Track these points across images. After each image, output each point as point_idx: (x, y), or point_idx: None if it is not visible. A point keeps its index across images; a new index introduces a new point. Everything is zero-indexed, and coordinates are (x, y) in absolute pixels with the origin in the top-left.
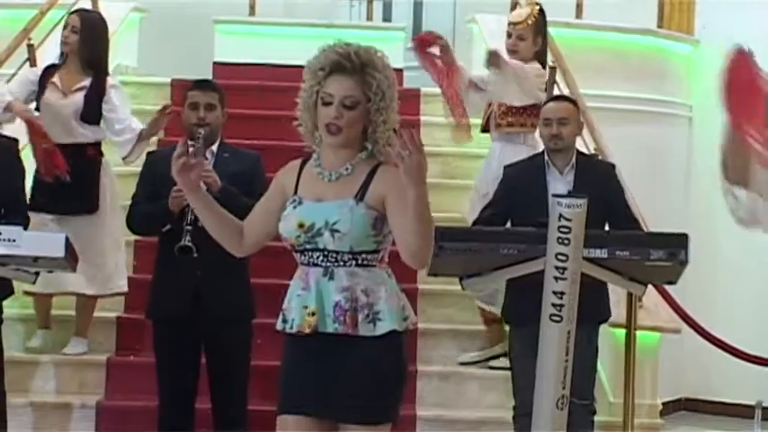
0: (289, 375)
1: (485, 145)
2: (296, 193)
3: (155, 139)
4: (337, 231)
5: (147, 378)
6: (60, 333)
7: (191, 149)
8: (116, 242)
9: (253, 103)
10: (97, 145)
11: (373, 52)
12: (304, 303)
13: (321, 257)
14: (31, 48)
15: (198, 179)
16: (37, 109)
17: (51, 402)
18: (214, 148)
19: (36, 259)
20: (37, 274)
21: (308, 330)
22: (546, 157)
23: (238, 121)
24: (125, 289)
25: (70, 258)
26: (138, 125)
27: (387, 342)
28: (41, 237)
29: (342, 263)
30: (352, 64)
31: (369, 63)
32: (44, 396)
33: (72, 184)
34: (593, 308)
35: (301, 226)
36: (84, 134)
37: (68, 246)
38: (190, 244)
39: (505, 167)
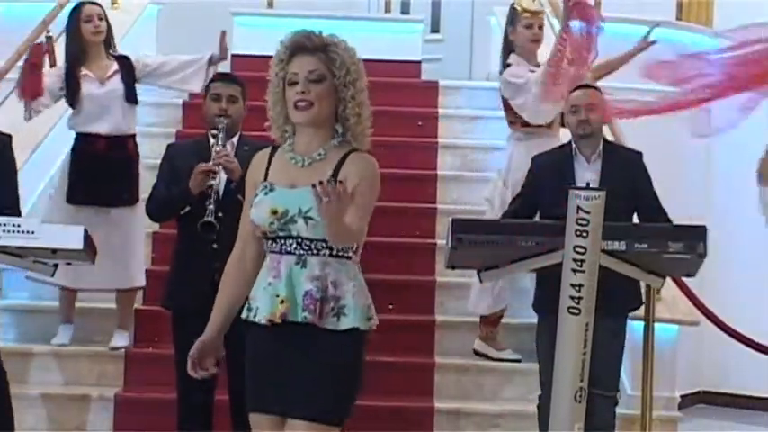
0: (253, 369)
1: (502, 137)
2: (266, 179)
3: (173, 131)
4: (311, 219)
5: (166, 369)
6: (88, 326)
7: (212, 140)
8: (142, 236)
9: None
10: (134, 138)
11: (335, 36)
12: (275, 292)
13: (294, 245)
14: (49, 40)
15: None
16: (71, 105)
17: (69, 394)
18: (234, 140)
19: (54, 251)
20: (55, 266)
21: (278, 319)
22: (573, 146)
23: (256, 114)
24: (143, 283)
25: (89, 250)
26: (193, 56)
27: (348, 338)
28: (60, 229)
29: (315, 251)
30: (313, 43)
31: (330, 43)
32: (62, 388)
33: (114, 176)
34: (622, 297)
35: (274, 213)
36: (128, 123)
37: (87, 238)
38: (213, 220)
39: (534, 157)
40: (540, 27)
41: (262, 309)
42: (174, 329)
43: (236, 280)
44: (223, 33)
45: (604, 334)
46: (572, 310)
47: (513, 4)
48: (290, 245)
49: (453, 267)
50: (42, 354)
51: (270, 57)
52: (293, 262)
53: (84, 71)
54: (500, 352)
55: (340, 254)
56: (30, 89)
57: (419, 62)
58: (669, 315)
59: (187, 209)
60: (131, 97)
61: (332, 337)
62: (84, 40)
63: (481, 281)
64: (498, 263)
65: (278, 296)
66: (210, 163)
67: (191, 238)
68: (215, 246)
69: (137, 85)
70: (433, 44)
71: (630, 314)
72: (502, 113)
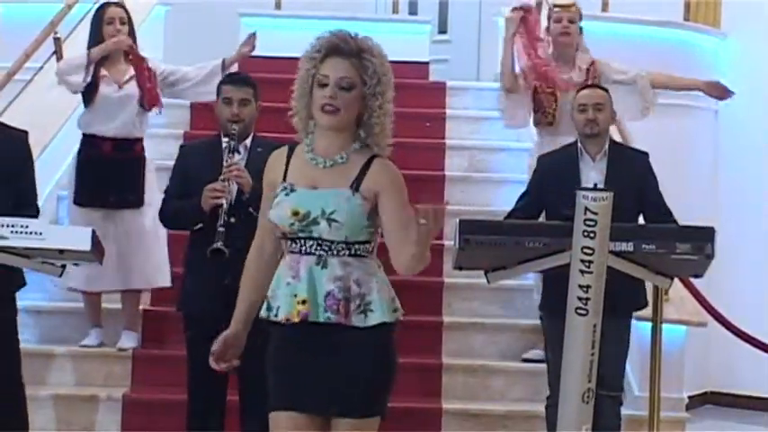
0: (277, 368)
1: (509, 138)
2: (285, 179)
3: (181, 132)
4: (335, 221)
5: (174, 370)
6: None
7: (224, 146)
8: (159, 237)
9: (280, 95)
10: (142, 141)
11: (370, 40)
12: (294, 292)
13: (315, 246)
14: (57, 41)
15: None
16: (86, 104)
17: (77, 395)
18: (247, 142)
19: (62, 252)
20: (63, 266)
21: (296, 319)
22: (579, 145)
23: (269, 115)
24: (168, 283)
25: (96, 251)
26: (209, 63)
27: (377, 334)
28: (67, 230)
29: (335, 252)
30: (349, 47)
31: (366, 48)
32: (70, 388)
33: (121, 178)
34: (627, 298)
35: (296, 214)
36: (138, 127)
37: (94, 239)
38: (222, 247)
39: (539, 157)
40: (572, 21)
41: (281, 308)
42: (186, 331)
43: (256, 272)
44: (253, 36)
45: (609, 334)
46: (579, 311)
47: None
48: (311, 246)
49: (461, 268)
50: (54, 355)
51: (278, 58)
52: (313, 262)
53: (103, 72)
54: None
55: (358, 253)
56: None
57: (427, 63)
58: (677, 316)
59: (200, 225)
60: (147, 101)
61: (362, 334)
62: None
63: (488, 281)
64: (506, 264)
65: (296, 296)
66: (221, 177)
67: (202, 245)
68: (227, 255)
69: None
70: (441, 45)
71: (637, 314)
72: None
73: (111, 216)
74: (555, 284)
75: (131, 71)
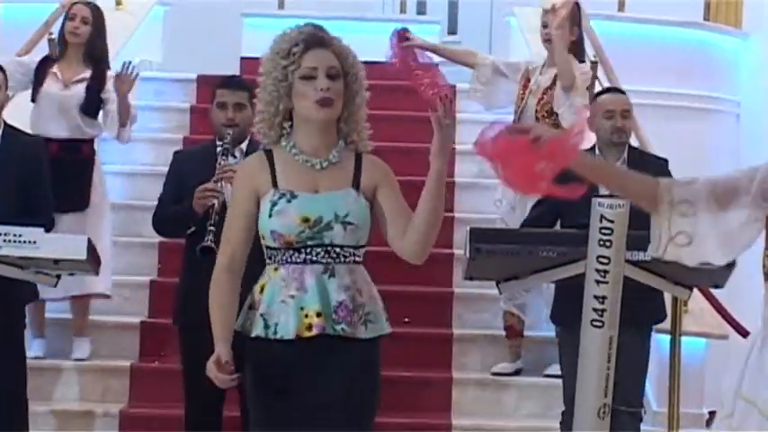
0: (283, 390)
1: None
2: (276, 185)
3: (180, 137)
4: (351, 224)
5: (173, 385)
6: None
7: (218, 150)
8: (102, 243)
9: None
10: (91, 143)
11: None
12: (301, 305)
13: (322, 254)
14: (51, 42)
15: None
16: (33, 100)
17: (73, 410)
18: (243, 146)
19: (57, 261)
20: (58, 276)
21: (308, 334)
22: (597, 152)
23: None
24: (108, 292)
25: (92, 260)
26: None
27: (375, 346)
28: (62, 239)
29: (344, 258)
30: (327, 37)
31: (337, 39)
32: (66, 404)
33: (66, 181)
34: (646, 309)
35: (306, 220)
36: (85, 129)
37: (90, 248)
38: (212, 245)
39: None
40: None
41: (285, 324)
42: (182, 343)
43: (231, 291)
44: (126, 67)
45: (628, 347)
46: (595, 323)
47: None
48: (318, 254)
49: (471, 278)
50: (45, 369)
51: None
52: (320, 272)
53: (54, 68)
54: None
55: (358, 260)
56: None
57: (437, 65)
58: (696, 328)
59: (192, 228)
60: (88, 108)
61: (362, 346)
62: (66, 39)
63: (500, 292)
64: (518, 274)
65: (303, 309)
66: (214, 179)
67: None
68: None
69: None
70: (450, 46)
71: (656, 327)
72: None
73: (57, 220)
74: (569, 295)
75: (86, 73)
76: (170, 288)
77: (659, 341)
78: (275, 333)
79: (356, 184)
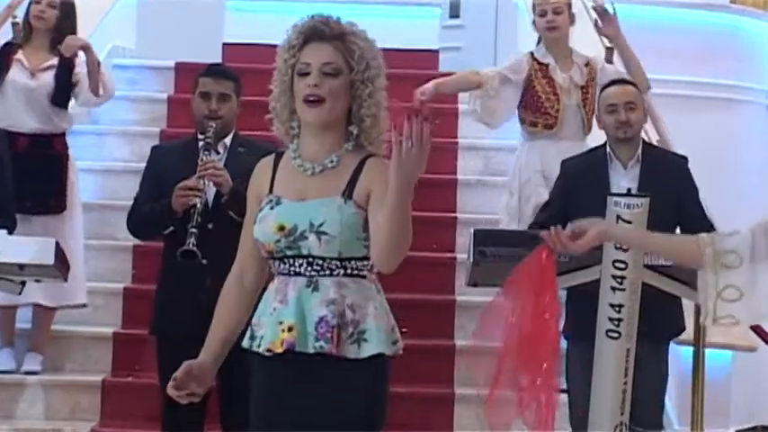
0: (259, 406)
1: None
2: (271, 191)
3: (157, 130)
4: (324, 234)
5: (148, 402)
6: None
7: (200, 144)
8: (78, 247)
9: (266, 88)
10: (63, 137)
11: (355, 25)
12: (279, 318)
13: (305, 265)
14: (15, 26)
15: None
16: None
17: (39, 429)
18: (227, 141)
19: (22, 267)
20: (23, 283)
21: (280, 349)
22: (608, 150)
23: (252, 110)
24: (84, 301)
25: (60, 266)
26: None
27: (372, 367)
28: (28, 242)
29: (329, 271)
30: (331, 29)
31: (349, 32)
32: (30, 422)
33: (39, 180)
34: (664, 320)
35: (281, 229)
36: (55, 121)
37: (59, 252)
38: (194, 248)
39: (563, 162)
40: (558, 12)
41: (265, 337)
42: (159, 356)
43: (236, 302)
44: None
45: (645, 361)
46: (611, 334)
47: None
48: (300, 265)
49: (476, 285)
50: (9, 384)
51: (266, 45)
52: (303, 285)
53: (19, 55)
54: None
55: (355, 272)
56: None
57: (436, 51)
58: (722, 339)
59: (171, 228)
60: (58, 99)
61: (353, 366)
62: (30, 23)
63: None
64: None
65: (281, 323)
66: (195, 176)
67: (175, 254)
68: (204, 261)
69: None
70: (453, 31)
71: (677, 338)
72: None
73: (26, 222)
74: (578, 305)
75: (53, 61)
76: (146, 295)
77: (681, 354)
78: (258, 346)
79: (348, 192)
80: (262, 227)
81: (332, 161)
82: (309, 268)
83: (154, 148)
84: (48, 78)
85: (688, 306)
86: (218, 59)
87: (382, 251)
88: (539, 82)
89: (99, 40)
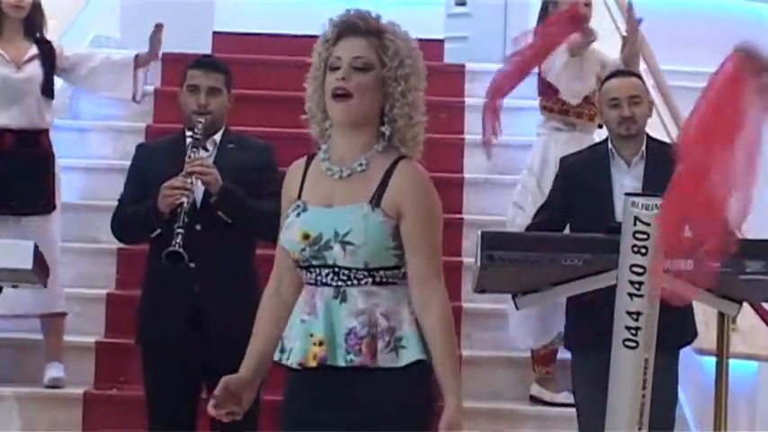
0: (290, 423)
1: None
2: (300, 196)
3: (142, 125)
4: (349, 244)
5: (133, 415)
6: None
7: (188, 141)
8: (58, 251)
9: (261, 81)
10: (48, 133)
11: (397, 25)
12: (309, 331)
13: (331, 275)
14: None
15: (243, 405)
16: None
17: None
18: (217, 137)
19: None
20: None
21: (313, 363)
22: (610, 146)
23: (243, 105)
24: (64, 309)
25: (39, 270)
26: (117, 55)
27: (412, 374)
28: (3, 245)
29: (356, 281)
30: (367, 24)
31: (388, 29)
32: None
33: (25, 178)
34: (673, 328)
35: (306, 237)
36: (42, 115)
37: (37, 255)
38: (180, 249)
39: (562, 159)
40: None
41: (295, 350)
42: (145, 367)
43: (273, 314)
44: (158, 27)
45: (655, 374)
46: (628, 344)
47: None
48: (326, 275)
49: (483, 291)
50: None
51: (259, 35)
52: (331, 295)
53: None
54: (555, 395)
55: (384, 280)
56: None
57: (441, 41)
58: (746, 349)
59: (158, 231)
60: (48, 90)
61: (394, 377)
62: (2, 13)
63: (517, 307)
64: (538, 285)
65: (312, 336)
66: (182, 173)
67: (161, 257)
68: (192, 265)
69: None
70: (459, 19)
71: (699, 348)
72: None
73: (13, 223)
74: (582, 315)
75: (34, 49)
76: (130, 302)
77: (703, 364)
78: (288, 359)
79: (376, 199)
80: (288, 234)
81: (361, 164)
82: (336, 278)
83: (139, 147)
84: (35, 69)
85: (711, 313)
86: (208, 50)
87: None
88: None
89: (80, 29)
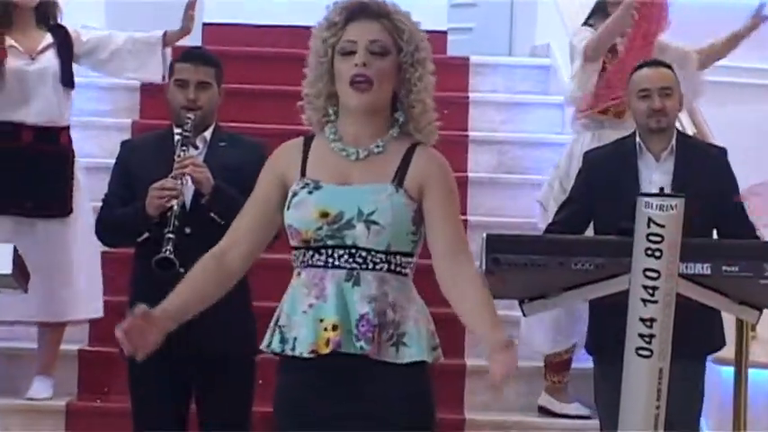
0: (290, 412)
1: (551, 128)
2: (304, 174)
3: (128, 121)
4: (375, 224)
5: (118, 429)
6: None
7: (177, 138)
8: (90, 254)
9: (253, 74)
10: (68, 130)
11: (397, 5)
12: (319, 316)
13: (346, 257)
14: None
15: (156, 338)
16: None
17: None
18: (207, 134)
19: None
20: None
21: (326, 350)
22: (638, 140)
23: (234, 99)
24: (100, 313)
25: (18, 275)
26: (140, 34)
27: (412, 374)
28: None
29: (372, 264)
30: (379, 6)
31: (397, 11)
32: None
33: (42, 178)
34: (700, 334)
35: (324, 215)
36: (61, 111)
37: (17, 259)
38: (171, 256)
39: (586, 153)
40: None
41: (302, 338)
42: (131, 377)
43: (211, 274)
44: (191, 2)
45: (678, 382)
46: (641, 352)
47: None
48: (340, 256)
49: None
50: None
51: (252, 26)
52: (343, 278)
53: (9, 41)
54: (565, 405)
55: (398, 269)
56: None
57: (444, 32)
58: (766, 358)
59: (145, 235)
60: (67, 79)
61: (393, 373)
62: (12, 2)
63: (525, 314)
64: (546, 291)
65: (322, 320)
66: (172, 174)
67: (149, 262)
68: (182, 270)
69: (74, 66)
70: (463, 9)
71: (715, 356)
72: (551, 98)
73: (28, 226)
74: (605, 319)
75: (48, 38)
76: (115, 309)
77: (721, 374)
78: (293, 349)
79: (398, 180)
80: (299, 213)
81: (378, 146)
82: (351, 260)
83: (124, 143)
84: (50, 58)
85: (728, 320)
86: (197, 42)
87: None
88: (610, 64)
89: (63, 20)
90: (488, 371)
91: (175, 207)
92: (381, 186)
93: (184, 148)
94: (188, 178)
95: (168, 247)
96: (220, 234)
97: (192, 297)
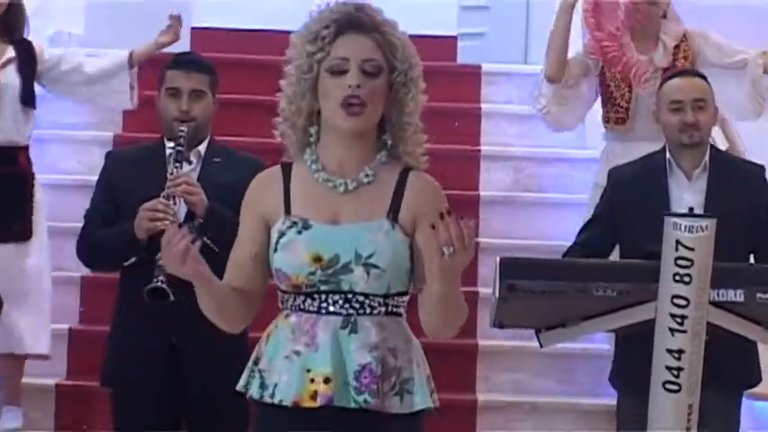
0: None
1: (571, 143)
2: (289, 211)
3: (110, 135)
4: (375, 267)
5: None
6: None
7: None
8: (44, 286)
9: (245, 83)
10: (27, 150)
11: (382, 11)
12: (307, 366)
13: (341, 302)
14: None
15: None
16: None
17: None
18: (201, 148)
19: None
20: None
21: (312, 403)
22: (668, 156)
23: (228, 110)
24: (45, 351)
25: None
26: (105, 56)
27: (415, 423)
28: None
29: (369, 309)
30: (370, 18)
31: (386, 22)
32: None
33: (0, 201)
34: (735, 367)
35: (318, 259)
36: (20, 131)
37: None
38: (164, 286)
39: (611, 171)
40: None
41: (284, 386)
42: (114, 412)
43: (238, 300)
44: (176, 19)
45: (711, 419)
46: (669, 387)
47: None
48: (335, 302)
49: (502, 326)
50: None
51: (244, 30)
52: (338, 325)
53: None
54: None
55: (395, 311)
56: None
57: (455, 38)
58: None
59: (132, 259)
60: (28, 98)
61: (395, 423)
62: None
63: (541, 345)
64: (565, 320)
65: (309, 371)
66: (163, 194)
67: (135, 289)
68: (172, 297)
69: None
70: (475, 13)
71: (750, 391)
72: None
73: None
74: (631, 349)
75: (9, 52)
76: (96, 339)
77: (755, 410)
78: (272, 396)
79: (393, 213)
80: (289, 256)
81: (367, 175)
82: (348, 306)
83: (109, 154)
84: (11, 75)
85: (764, 353)
86: (186, 48)
87: (439, 330)
88: (608, 68)
89: (39, 25)
90: (501, 407)
91: (169, 228)
92: (377, 224)
93: (177, 164)
94: (181, 198)
95: (161, 277)
96: (211, 259)
97: (220, 294)
